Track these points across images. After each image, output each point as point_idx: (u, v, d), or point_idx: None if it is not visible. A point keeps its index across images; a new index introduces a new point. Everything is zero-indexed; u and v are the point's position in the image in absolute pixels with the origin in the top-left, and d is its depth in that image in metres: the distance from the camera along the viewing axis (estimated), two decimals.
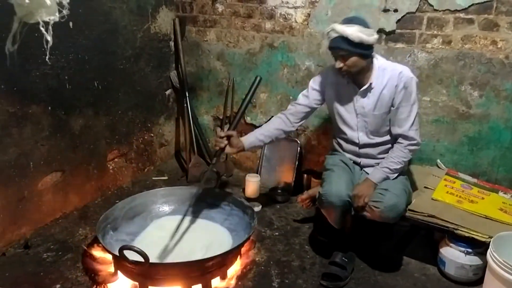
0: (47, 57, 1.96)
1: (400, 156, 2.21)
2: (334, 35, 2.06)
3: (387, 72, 2.16)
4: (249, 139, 2.37)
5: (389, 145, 2.29)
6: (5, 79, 2.12)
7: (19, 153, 2.26)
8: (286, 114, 2.40)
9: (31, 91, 2.26)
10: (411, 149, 2.23)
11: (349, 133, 2.32)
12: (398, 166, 2.21)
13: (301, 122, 2.42)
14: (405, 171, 2.31)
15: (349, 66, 2.10)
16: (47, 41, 1.49)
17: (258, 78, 2.33)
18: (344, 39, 2.03)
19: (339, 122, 2.35)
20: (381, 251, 2.41)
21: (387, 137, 2.28)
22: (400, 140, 2.23)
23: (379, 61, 2.19)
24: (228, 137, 2.31)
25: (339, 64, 2.12)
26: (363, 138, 2.30)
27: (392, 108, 2.19)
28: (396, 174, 2.22)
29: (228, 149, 2.33)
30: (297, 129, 2.42)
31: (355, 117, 2.27)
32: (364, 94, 2.21)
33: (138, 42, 2.94)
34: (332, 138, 2.51)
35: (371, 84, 2.17)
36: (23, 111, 2.24)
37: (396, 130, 2.22)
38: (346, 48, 2.05)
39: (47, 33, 1.46)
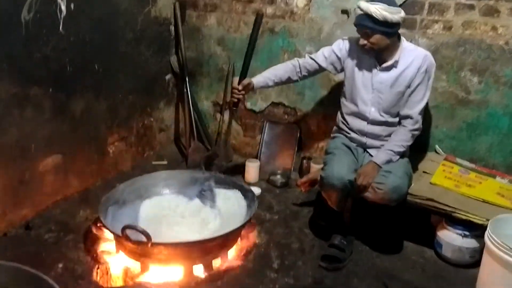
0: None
1: (403, 139, 2.24)
2: (359, 12, 2.11)
3: (413, 54, 2.20)
4: (258, 80, 2.42)
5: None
6: (8, 59, 2.11)
7: (20, 134, 2.26)
8: (301, 64, 2.43)
9: (32, 73, 2.26)
10: (414, 134, 2.26)
11: (362, 107, 2.32)
12: (401, 150, 2.24)
13: (307, 77, 2.48)
14: (407, 155, 2.34)
15: (372, 43, 2.15)
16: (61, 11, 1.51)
17: (261, 14, 2.39)
18: (368, 16, 2.07)
19: (353, 94, 2.34)
20: (380, 234, 2.44)
21: (396, 119, 2.30)
22: (405, 123, 2.26)
23: (405, 43, 2.23)
24: (244, 88, 2.38)
25: (362, 41, 2.17)
26: (374, 114, 2.30)
27: (408, 88, 2.21)
28: (398, 157, 2.25)
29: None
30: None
31: (370, 92, 2.28)
32: (385, 70, 2.23)
33: (139, 25, 2.93)
34: (337, 118, 2.49)
35: (396, 61, 2.20)
36: (25, 92, 2.24)
37: (405, 112, 2.25)
38: (370, 25, 2.09)
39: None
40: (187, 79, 3.21)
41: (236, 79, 2.43)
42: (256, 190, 2.81)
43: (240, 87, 2.39)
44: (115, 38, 2.78)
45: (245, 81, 2.40)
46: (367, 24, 2.09)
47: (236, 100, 2.44)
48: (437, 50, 2.50)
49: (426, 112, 2.59)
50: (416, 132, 2.27)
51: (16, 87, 2.18)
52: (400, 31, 2.52)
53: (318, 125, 3.05)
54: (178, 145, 3.51)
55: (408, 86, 2.21)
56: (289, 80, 2.47)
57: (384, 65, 2.23)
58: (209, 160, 3.12)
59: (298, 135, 3.10)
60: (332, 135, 2.55)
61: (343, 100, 2.43)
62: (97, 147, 2.81)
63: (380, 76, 2.24)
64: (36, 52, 2.25)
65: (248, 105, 3.24)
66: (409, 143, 2.27)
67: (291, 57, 2.95)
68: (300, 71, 2.43)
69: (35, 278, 1.29)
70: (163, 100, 3.34)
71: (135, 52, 2.96)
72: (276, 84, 2.48)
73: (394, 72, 2.22)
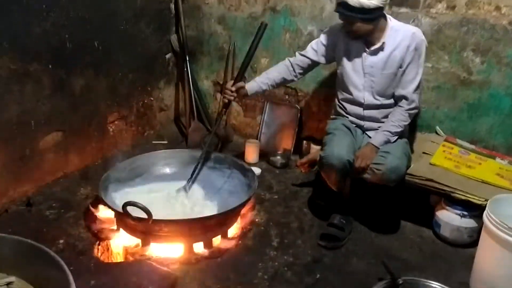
0: None
1: (400, 119, 2.23)
2: (337, 0, 2.07)
3: (400, 33, 2.16)
4: (252, 86, 2.41)
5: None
6: (7, 35, 2.10)
7: (20, 111, 2.25)
8: (292, 63, 2.40)
9: (32, 48, 2.24)
10: (411, 113, 2.25)
11: (355, 93, 2.31)
12: (399, 130, 2.23)
13: (304, 74, 2.45)
14: (405, 135, 2.34)
15: (354, 30, 2.13)
16: None
17: (264, 24, 2.32)
18: (345, 4, 2.02)
19: (345, 81, 2.32)
20: (378, 214, 2.45)
21: (392, 101, 2.29)
22: (401, 103, 2.24)
23: (392, 21, 2.19)
24: (237, 90, 2.36)
25: (346, 28, 2.16)
26: (368, 98, 2.29)
27: (400, 69, 2.20)
28: (396, 137, 2.24)
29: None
30: (297, 78, 2.45)
31: (362, 77, 2.26)
32: (374, 53, 2.21)
33: (139, 2, 2.89)
34: (335, 102, 2.49)
35: (383, 43, 2.17)
36: (25, 68, 2.23)
37: (399, 92, 2.23)
38: (347, 14, 2.06)
39: None
40: (187, 58, 3.19)
41: (231, 82, 2.40)
42: (256, 170, 2.81)
43: (233, 88, 2.36)
44: (115, 15, 2.75)
45: (239, 84, 2.37)
46: (344, 12, 2.05)
47: (227, 101, 2.41)
48: (440, 30, 2.48)
49: (427, 93, 2.59)
50: (413, 111, 2.26)
51: (16, 63, 2.17)
52: (403, 10, 2.53)
53: (319, 106, 3.04)
54: (178, 125, 3.50)
55: (400, 66, 2.19)
56: (284, 81, 2.46)
57: (372, 48, 2.20)
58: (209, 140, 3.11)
59: (299, 116, 3.08)
60: (331, 116, 2.54)
61: (338, 88, 2.43)
62: (97, 125, 2.80)
63: (370, 60, 2.22)
64: (36, 27, 2.23)
65: None
66: (407, 123, 2.26)
67: (292, 37, 2.95)
68: (294, 70, 2.40)
69: (37, 250, 1.30)
70: (163, 79, 3.32)
71: (134, 30, 2.93)
72: (272, 87, 2.45)
73: (383, 54, 2.19)
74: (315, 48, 2.37)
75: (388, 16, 2.19)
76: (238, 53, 3.17)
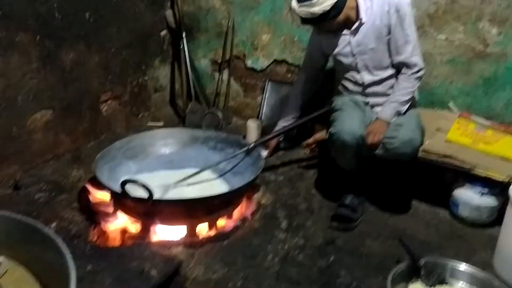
0: None
1: (407, 87, 2.12)
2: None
3: (375, 1, 2.06)
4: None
5: (395, 79, 2.19)
6: None
7: (6, 84, 2.08)
8: (302, 82, 2.49)
9: (18, 16, 2.06)
10: (417, 76, 2.13)
11: (353, 75, 2.23)
12: (408, 97, 2.12)
13: (322, 78, 2.51)
14: (415, 105, 2.24)
15: (329, 30, 2.13)
16: None
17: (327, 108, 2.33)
18: (305, 19, 2.03)
19: (340, 68, 2.28)
20: (390, 194, 2.33)
21: (392, 71, 2.18)
22: (403, 70, 2.13)
23: None
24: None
25: (321, 31, 2.21)
26: (367, 77, 2.20)
27: (389, 35, 2.08)
28: (406, 106, 2.13)
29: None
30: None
31: (354, 59, 2.18)
32: (355, 32, 2.12)
33: None
34: (336, 85, 2.40)
35: (361, 20, 2.08)
36: (10, 38, 2.05)
37: (397, 59, 2.12)
38: (314, 23, 2.08)
39: None
40: (183, 36, 3.01)
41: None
42: (263, 153, 2.66)
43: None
44: None
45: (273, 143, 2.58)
46: (309, 23, 2.09)
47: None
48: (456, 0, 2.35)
49: (440, 67, 2.47)
50: (418, 74, 2.12)
51: (0, 31, 1.98)
52: None
53: (322, 84, 2.88)
54: (174, 106, 3.33)
55: (388, 33, 2.08)
56: (308, 98, 2.53)
57: (353, 28, 2.12)
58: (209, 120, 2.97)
59: None
60: (336, 94, 2.41)
61: (336, 73, 2.39)
62: (89, 104, 2.63)
63: (355, 40, 2.13)
64: None
65: (249, 63, 3.06)
66: (414, 89, 2.15)
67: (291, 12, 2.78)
68: (310, 86, 2.49)
69: (30, 228, 1.14)
70: (158, 58, 3.14)
71: (128, 3, 2.74)
72: (301, 115, 2.52)
73: (365, 29, 2.10)
74: (311, 56, 2.42)
75: None
76: (238, 29, 3.00)
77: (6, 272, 1.14)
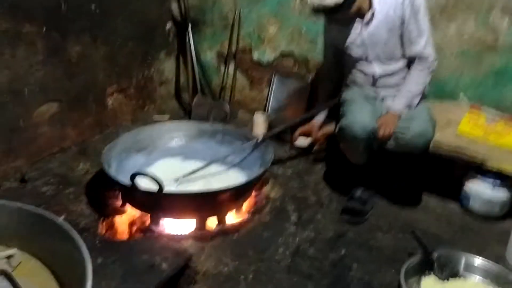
0: None
1: (419, 79, 2.10)
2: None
3: None
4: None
5: (407, 71, 2.15)
6: None
7: (12, 76, 2.05)
8: (332, 73, 2.42)
9: (25, 7, 2.03)
10: (430, 68, 2.10)
11: (364, 67, 2.19)
12: (420, 89, 2.10)
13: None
14: (425, 96, 2.21)
15: (341, 19, 2.06)
16: None
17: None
18: (318, 9, 1.96)
19: (351, 60, 2.22)
20: (400, 187, 2.30)
21: (403, 62, 2.14)
22: (416, 62, 2.09)
23: None
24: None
25: (334, 21, 2.14)
26: (378, 69, 2.16)
27: (402, 26, 2.04)
28: (418, 99, 2.11)
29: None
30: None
31: (366, 49, 2.13)
32: (368, 23, 2.07)
33: None
34: (346, 76, 2.35)
35: (374, 10, 2.04)
36: (17, 29, 2.02)
37: (410, 51, 2.08)
38: (327, 14, 2.01)
39: None
40: (189, 28, 2.98)
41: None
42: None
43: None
44: None
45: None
46: (323, 14, 2.01)
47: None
48: None
49: (450, 59, 2.43)
50: (432, 66, 2.09)
51: (7, 22, 1.96)
52: None
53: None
54: (180, 99, 3.30)
55: (402, 23, 2.03)
56: (337, 80, 2.43)
57: (365, 19, 2.07)
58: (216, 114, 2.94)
59: (309, 89, 2.90)
60: (344, 87, 2.38)
61: (346, 65, 2.31)
62: (95, 97, 2.60)
63: (368, 32, 2.09)
64: None
65: (256, 56, 3.03)
66: (427, 81, 2.12)
67: (303, 2, 2.75)
68: (335, 68, 2.39)
69: (43, 219, 1.12)
70: (163, 51, 3.10)
71: None
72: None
73: (377, 21, 2.05)
74: (332, 51, 2.33)
75: None
76: (244, 21, 2.97)
77: (19, 264, 1.12)
